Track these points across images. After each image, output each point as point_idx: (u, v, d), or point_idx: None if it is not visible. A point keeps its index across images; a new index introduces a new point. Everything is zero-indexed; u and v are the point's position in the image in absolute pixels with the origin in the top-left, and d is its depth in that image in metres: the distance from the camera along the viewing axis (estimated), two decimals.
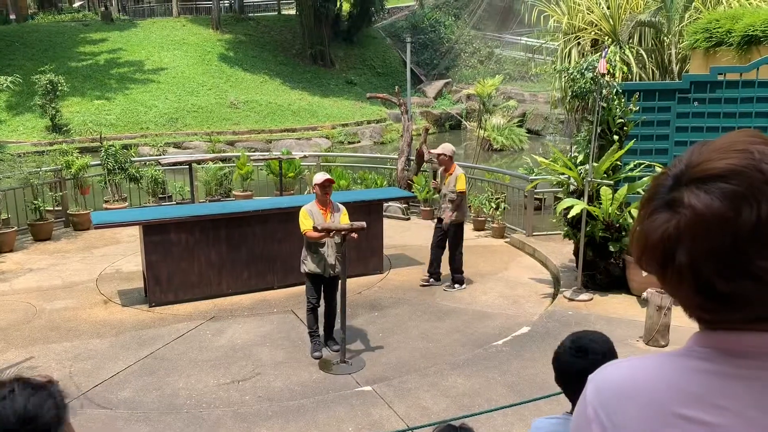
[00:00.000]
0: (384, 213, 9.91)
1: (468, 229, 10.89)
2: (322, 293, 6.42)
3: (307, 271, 6.30)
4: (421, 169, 11.82)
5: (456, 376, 5.76)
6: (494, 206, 10.57)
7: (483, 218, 10.79)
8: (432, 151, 8.31)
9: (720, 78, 7.61)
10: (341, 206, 6.47)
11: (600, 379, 0.96)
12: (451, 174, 7.91)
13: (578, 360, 2.32)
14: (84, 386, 5.71)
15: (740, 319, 0.86)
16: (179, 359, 6.25)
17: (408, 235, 10.50)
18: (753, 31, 7.86)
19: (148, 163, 12.56)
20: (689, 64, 10.26)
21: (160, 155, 16.82)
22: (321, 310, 6.48)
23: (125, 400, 5.50)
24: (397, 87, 12.86)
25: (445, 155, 7.89)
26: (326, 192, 6.28)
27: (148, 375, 5.94)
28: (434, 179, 8.37)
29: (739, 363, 0.85)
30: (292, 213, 6.76)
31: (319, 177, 6.33)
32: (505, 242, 10.16)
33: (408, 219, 11.55)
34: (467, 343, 6.54)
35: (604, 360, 2.34)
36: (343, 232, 6.00)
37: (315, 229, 6.01)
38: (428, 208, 11.56)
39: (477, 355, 6.19)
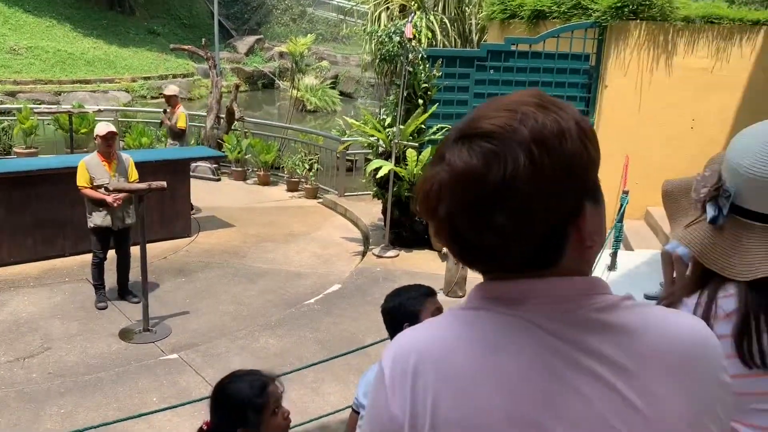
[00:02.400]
0: (192, 173, 9.46)
1: (281, 189, 10.82)
2: (114, 246, 6.23)
3: (93, 225, 6.05)
4: (232, 127, 11.40)
5: (267, 337, 5.71)
6: (307, 167, 10.56)
7: (297, 179, 10.74)
8: (165, 92, 9.68)
9: (513, 48, 8.21)
10: (127, 157, 6.27)
11: (397, 345, 0.95)
12: (175, 113, 9.30)
13: (392, 299, 2.60)
14: None
15: (496, 269, 0.90)
16: None
17: (219, 196, 10.13)
18: (540, 6, 8.55)
19: None
20: (487, 33, 10.96)
21: None
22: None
23: None
24: (204, 39, 12.18)
25: (175, 96, 9.52)
26: (109, 144, 6.04)
27: None
28: (164, 114, 9.58)
29: (510, 309, 0.89)
30: None
31: (102, 128, 6.11)
32: (318, 203, 10.23)
33: (219, 180, 11.14)
34: (279, 304, 6.51)
35: (419, 298, 2.54)
36: (140, 193, 5.64)
37: (107, 189, 5.82)
38: (240, 169, 11.24)
39: (289, 314, 6.20)
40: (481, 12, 12.11)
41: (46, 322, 5.86)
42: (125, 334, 5.71)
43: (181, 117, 9.26)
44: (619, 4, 7.81)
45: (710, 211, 1.31)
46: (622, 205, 6.31)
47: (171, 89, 9.62)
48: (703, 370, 0.88)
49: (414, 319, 2.40)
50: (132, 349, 5.50)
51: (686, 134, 7.99)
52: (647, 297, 5.50)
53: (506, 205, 0.83)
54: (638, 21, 7.86)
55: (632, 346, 0.86)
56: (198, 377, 4.99)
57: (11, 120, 11.31)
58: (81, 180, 5.95)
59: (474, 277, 6.73)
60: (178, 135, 9.35)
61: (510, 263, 0.88)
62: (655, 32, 7.89)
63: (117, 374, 4.97)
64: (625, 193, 6.43)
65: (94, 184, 5.95)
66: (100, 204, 5.96)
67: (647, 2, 7.75)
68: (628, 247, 7.17)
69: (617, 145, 7.67)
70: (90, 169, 5.95)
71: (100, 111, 11.93)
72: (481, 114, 0.88)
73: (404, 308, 2.51)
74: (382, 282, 6.94)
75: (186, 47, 13.01)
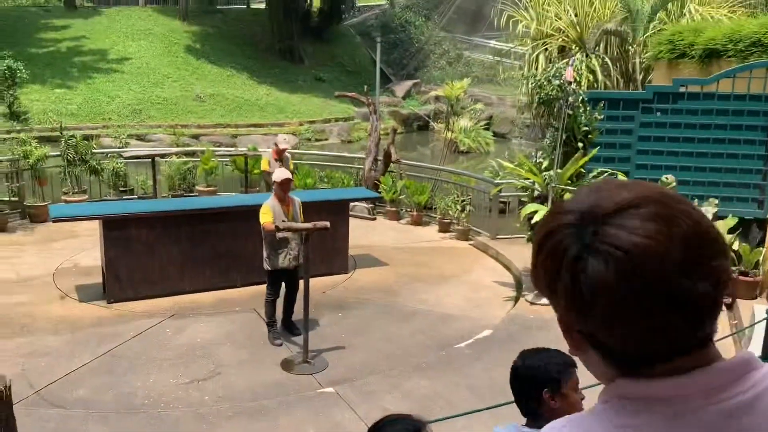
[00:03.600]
0: (350, 213, 9.89)
1: (433, 230, 10.98)
2: (285, 284, 6.61)
3: (271, 268, 6.44)
4: (389, 169, 11.82)
5: (418, 378, 5.78)
6: (460, 208, 10.64)
7: (448, 220, 10.85)
8: (282, 145, 9.52)
9: (682, 90, 7.79)
10: (297, 200, 6.69)
11: None
12: (286, 160, 9.50)
13: (531, 357, 2.39)
14: (37, 384, 5.56)
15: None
16: (138, 357, 6.13)
17: (374, 235, 10.49)
18: (714, 45, 8.07)
19: (109, 155, 12.28)
20: (653, 74, 10.48)
21: (122, 147, 16.47)
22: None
23: (81, 399, 5.37)
24: (366, 86, 12.84)
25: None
26: (284, 189, 6.48)
27: (105, 373, 5.81)
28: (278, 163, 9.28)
29: (670, 410, 0.84)
30: (257, 211, 6.71)
31: (279, 175, 6.48)
32: (470, 244, 10.23)
33: (374, 219, 11.54)
34: (431, 346, 6.57)
35: (564, 366, 2.39)
36: (305, 232, 6.03)
37: (277, 228, 6.14)
38: (394, 209, 11.57)
39: (440, 357, 6.23)
40: (646, 51, 11.63)
41: (218, 348, 6.38)
42: (287, 365, 6.06)
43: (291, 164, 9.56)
44: None
45: None
46: None
47: (287, 141, 9.61)
48: None
49: (556, 388, 2.27)
50: (292, 379, 5.82)
51: None
52: None
53: None
54: None
55: None
56: (351, 413, 5.15)
57: (195, 161, 12.59)
58: (270, 218, 6.28)
59: None
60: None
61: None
62: None
63: (279, 403, 5.28)
64: None
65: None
66: (279, 247, 6.35)
67: None
68: None
69: None
70: (273, 210, 6.37)
71: None
72: (601, 195, 0.86)
73: (547, 372, 2.32)
74: (535, 330, 6.76)
75: (349, 94, 13.79)
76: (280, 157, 9.43)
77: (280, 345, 6.46)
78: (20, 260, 8.71)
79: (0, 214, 10.01)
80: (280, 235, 6.29)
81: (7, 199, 10.45)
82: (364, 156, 12.26)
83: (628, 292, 0.79)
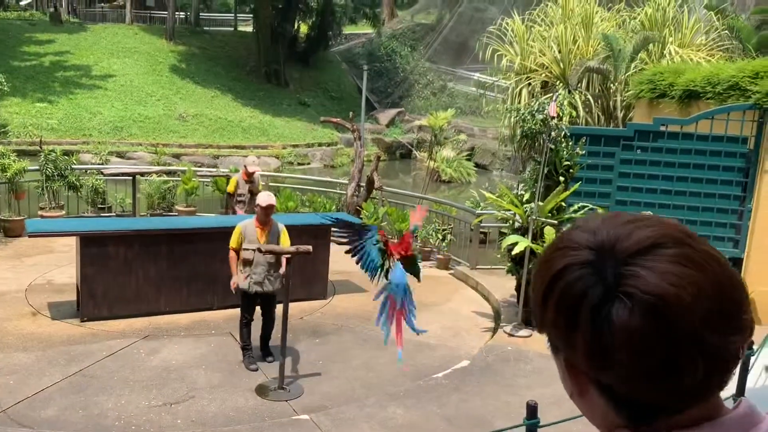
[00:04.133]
0: (331, 238, 9.84)
1: None
2: (260, 308, 6.50)
3: (235, 287, 6.40)
4: (371, 196, 11.84)
5: (395, 407, 5.72)
6: (440, 237, 10.67)
7: (429, 249, 10.87)
8: (252, 168, 9.17)
9: (662, 129, 7.96)
10: (281, 226, 6.55)
11: None
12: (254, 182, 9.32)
13: None
14: (5, 403, 5.40)
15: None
16: (110, 378, 6.00)
17: (354, 261, 10.43)
18: (693, 86, 8.26)
19: (89, 171, 12.14)
20: (633, 112, 10.69)
21: (102, 164, 16.30)
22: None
23: (49, 419, 5.22)
24: (351, 113, 12.93)
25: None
26: (267, 214, 6.40)
27: (75, 393, 5.67)
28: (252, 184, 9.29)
29: None
30: None
31: (264, 199, 6.39)
32: (450, 274, 10.24)
33: None
34: (408, 374, 6.52)
35: None
36: (287, 256, 5.99)
37: (259, 251, 6.13)
38: None
39: (417, 386, 6.18)
40: (628, 90, 11.88)
41: (192, 371, 6.27)
42: (261, 390, 5.96)
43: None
44: None
45: None
46: None
47: (256, 163, 9.43)
48: None
49: None
50: (267, 405, 5.72)
51: None
52: None
53: None
54: None
55: None
56: None
57: (176, 180, 12.50)
58: (233, 242, 6.34)
59: None
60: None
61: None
62: None
63: (252, 429, 5.19)
64: None
65: (243, 247, 6.33)
66: (242, 267, 6.30)
67: None
68: None
69: None
70: (245, 233, 6.34)
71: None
72: (619, 232, 0.79)
73: None
74: (513, 362, 6.76)
75: (334, 120, 13.86)
76: (249, 178, 9.22)
77: (255, 370, 6.37)
78: None
79: None
80: (243, 255, 6.24)
81: None
82: (346, 181, 12.28)
83: (655, 343, 0.74)
